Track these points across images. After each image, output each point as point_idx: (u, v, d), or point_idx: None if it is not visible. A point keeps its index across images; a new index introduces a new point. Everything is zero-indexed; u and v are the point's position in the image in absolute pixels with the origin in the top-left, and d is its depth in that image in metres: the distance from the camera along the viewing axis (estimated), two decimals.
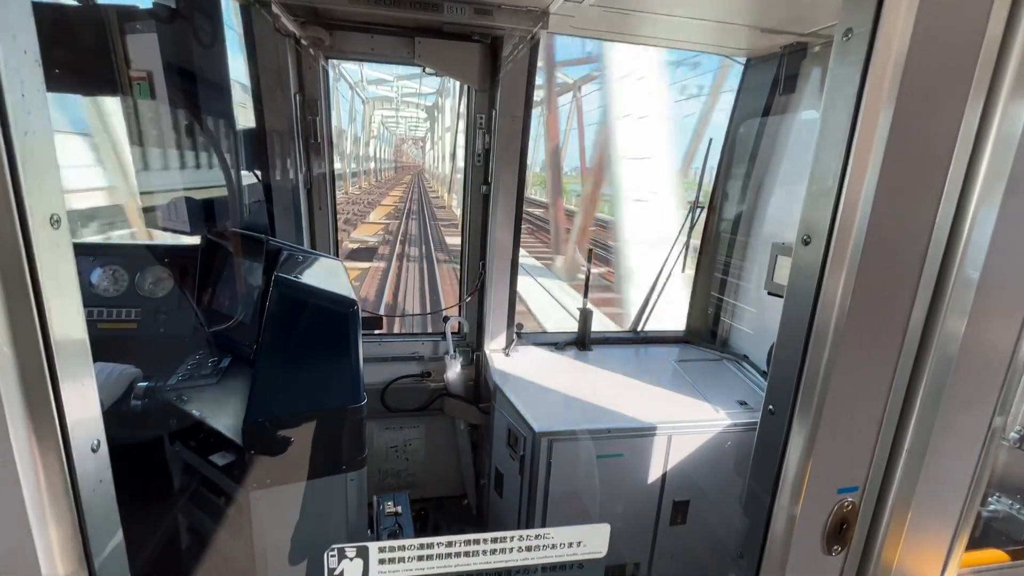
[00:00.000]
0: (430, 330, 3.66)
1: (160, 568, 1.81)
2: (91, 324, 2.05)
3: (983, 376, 0.72)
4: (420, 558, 0.68)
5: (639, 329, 3.28)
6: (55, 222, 0.50)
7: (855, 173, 0.64)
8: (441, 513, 3.13)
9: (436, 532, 3.00)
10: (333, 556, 0.65)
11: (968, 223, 0.67)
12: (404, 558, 0.67)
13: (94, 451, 0.55)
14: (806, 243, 0.71)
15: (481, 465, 3.03)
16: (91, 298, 2.07)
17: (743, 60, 2.83)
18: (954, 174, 0.65)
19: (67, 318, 0.51)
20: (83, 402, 0.54)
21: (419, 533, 2.43)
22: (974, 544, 0.83)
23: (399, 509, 2.23)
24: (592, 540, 0.73)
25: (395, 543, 0.67)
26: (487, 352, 2.90)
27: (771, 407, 0.79)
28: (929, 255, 0.68)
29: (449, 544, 0.69)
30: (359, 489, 1.75)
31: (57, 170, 0.50)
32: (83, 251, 2.12)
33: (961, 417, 0.73)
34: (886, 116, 0.61)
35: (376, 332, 3.05)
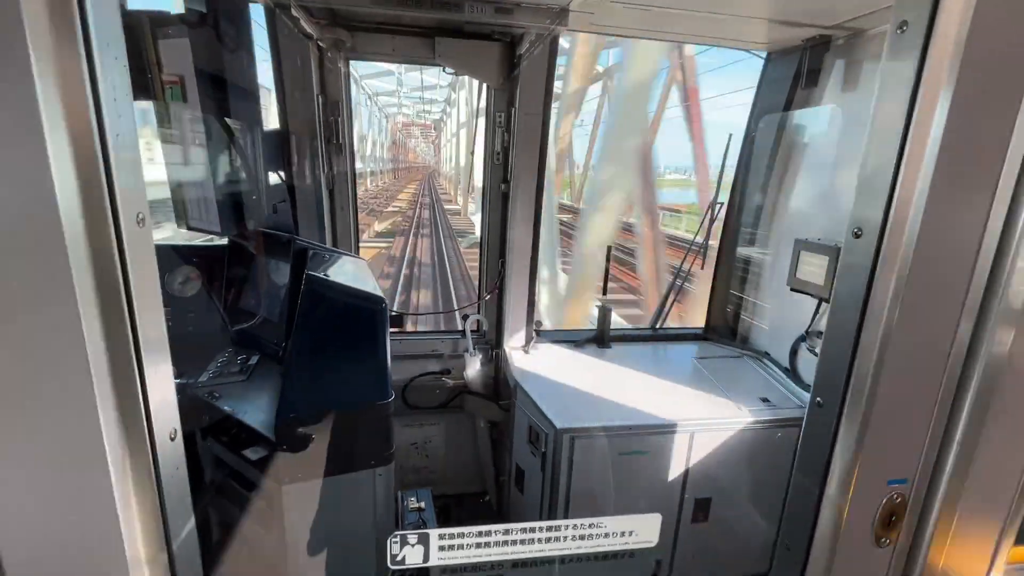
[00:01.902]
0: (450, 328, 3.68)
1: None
2: None
3: None
4: (478, 545, 0.69)
5: (658, 326, 3.27)
6: (140, 220, 0.52)
7: (909, 168, 0.64)
8: (462, 509, 3.15)
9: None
10: (395, 542, 0.67)
11: (1022, 222, 0.66)
12: (463, 545, 0.69)
13: (172, 439, 0.58)
14: (857, 236, 0.71)
15: (501, 462, 3.05)
16: None
17: (763, 54, 2.81)
18: (1008, 170, 0.65)
19: (151, 312, 0.54)
20: (164, 392, 0.56)
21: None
22: (1022, 539, 0.83)
23: (422, 505, 2.26)
24: (644, 529, 0.74)
25: (455, 530, 0.68)
26: (506, 349, 2.91)
27: (819, 400, 0.79)
28: (982, 251, 0.67)
29: (506, 532, 0.70)
30: (387, 484, 1.78)
31: (141, 170, 0.52)
32: None
33: (1012, 412, 0.72)
34: (942, 111, 0.61)
35: (397, 330, 3.08)
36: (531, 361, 2.82)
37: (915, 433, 0.74)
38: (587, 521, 0.73)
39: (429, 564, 0.69)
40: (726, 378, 2.73)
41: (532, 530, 0.71)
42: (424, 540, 0.68)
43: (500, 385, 3.03)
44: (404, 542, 0.67)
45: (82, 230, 0.48)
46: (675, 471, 2.36)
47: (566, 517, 2.33)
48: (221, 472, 1.83)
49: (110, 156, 0.48)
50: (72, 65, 0.44)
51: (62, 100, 0.45)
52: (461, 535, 0.70)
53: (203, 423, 1.82)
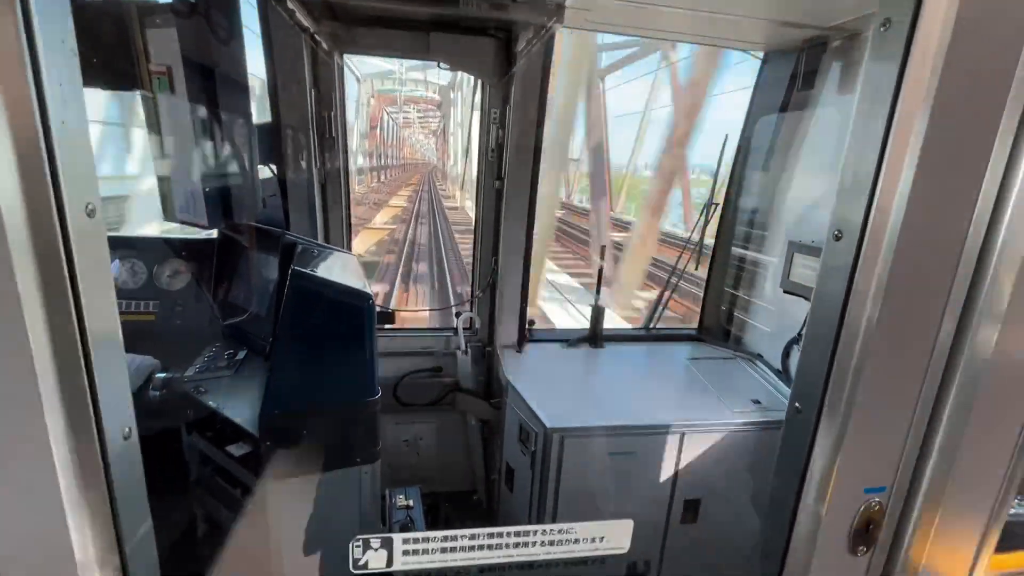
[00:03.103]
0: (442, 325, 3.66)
1: (177, 555, 1.83)
2: None
3: (1016, 379, 0.70)
4: (444, 550, 0.68)
5: (651, 326, 3.26)
6: (91, 211, 0.50)
7: (891, 169, 0.62)
8: (452, 507, 3.15)
9: (447, 526, 3.01)
10: (358, 546, 0.65)
11: (1005, 223, 0.65)
12: (428, 550, 0.68)
13: (126, 438, 0.56)
14: (837, 238, 0.70)
15: (492, 460, 3.04)
16: None
17: (760, 54, 2.79)
18: (992, 172, 0.64)
19: (101, 306, 0.52)
20: (116, 390, 0.54)
21: (430, 527, 2.45)
22: (1004, 548, 0.82)
23: (411, 503, 2.25)
24: (615, 535, 0.73)
25: (419, 535, 0.67)
26: (498, 348, 2.90)
27: (797, 405, 0.78)
28: (964, 255, 0.66)
29: (472, 537, 0.69)
30: (372, 481, 1.76)
31: (92, 159, 0.51)
32: None
33: (993, 419, 0.71)
34: (924, 110, 0.59)
35: (388, 327, 3.07)
36: (523, 360, 2.81)
37: (894, 440, 0.72)
38: (556, 527, 0.72)
39: (393, 569, 0.68)
40: (718, 379, 2.72)
41: (500, 535, 0.70)
42: (387, 544, 0.66)
43: (492, 383, 3.01)
44: (367, 546, 0.66)
45: (23, 223, 0.46)
46: (665, 472, 2.35)
47: (555, 516, 2.32)
48: (205, 468, 1.82)
49: (54, 145, 0.46)
50: (9, 50, 0.43)
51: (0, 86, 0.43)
52: (426, 539, 0.68)
53: (188, 418, 1.80)
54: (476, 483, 3.21)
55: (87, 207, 0.50)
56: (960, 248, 0.66)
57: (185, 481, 1.86)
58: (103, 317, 0.52)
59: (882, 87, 0.62)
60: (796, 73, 2.58)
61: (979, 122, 0.62)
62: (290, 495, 1.69)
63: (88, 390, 0.52)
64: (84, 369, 0.51)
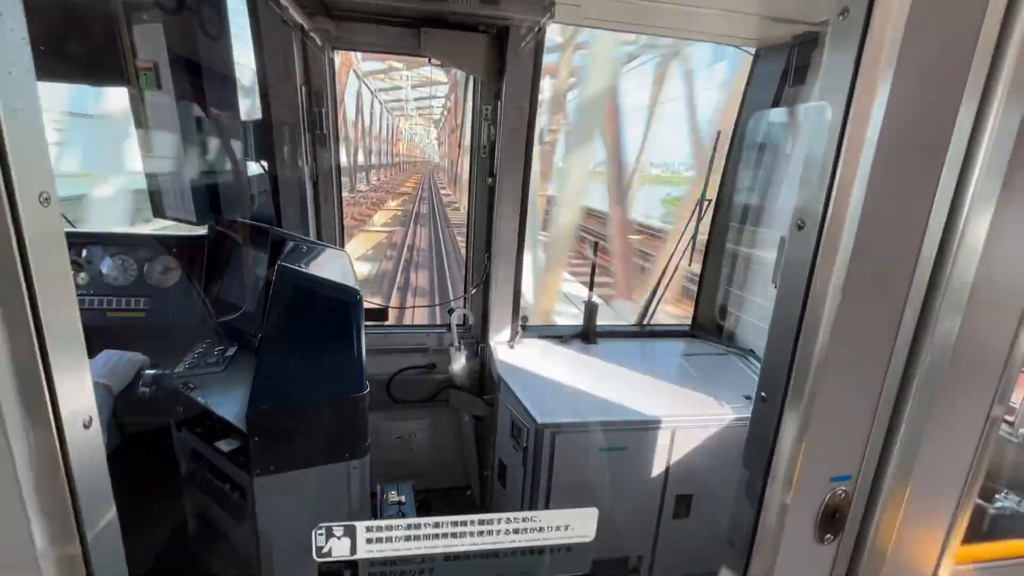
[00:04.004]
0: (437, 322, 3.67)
1: (165, 552, 1.84)
2: (100, 312, 2.08)
3: (981, 365, 0.70)
4: (408, 538, 0.68)
5: (645, 322, 3.27)
6: (44, 200, 0.51)
7: (849, 157, 0.62)
8: (445, 503, 3.16)
9: None
10: (321, 534, 0.66)
11: (966, 207, 0.65)
12: (392, 538, 0.68)
13: (86, 427, 0.57)
14: (800, 227, 0.70)
15: (485, 456, 3.05)
16: (101, 287, 2.10)
17: (752, 50, 2.79)
18: (951, 161, 0.64)
19: (57, 297, 0.52)
20: (74, 378, 0.55)
21: None
22: (971, 540, 0.82)
23: (403, 498, 2.25)
24: (580, 524, 0.73)
25: (383, 523, 0.68)
26: (492, 344, 2.91)
27: (763, 394, 0.78)
28: (926, 241, 0.66)
29: (436, 525, 0.69)
30: (362, 477, 1.77)
31: (46, 148, 0.51)
32: (93, 240, 2.16)
33: (958, 406, 0.71)
34: (881, 99, 0.59)
35: (382, 323, 3.07)
36: (516, 356, 2.82)
37: (858, 429, 0.73)
38: (521, 515, 0.72)
39: (356, 556, 0.68)
40: (711, 375, 2.73)
41: (464, 523, 0.70)
42: (351, 532, 0.67)
43: (485, 380, 3.02)
44: (329, 534, 0.66)
45: None
46: (657, 467, 2.36)
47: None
48: (193, 464, 1.82)
49: (3, 133, 0.46)
50: None
51: None
52: (389, 528, 0.69)
53: (177, 414, 1.81)
54: (469, 479, 3.22)
55: (40, 195, 0.50)
56: (921, 236, 0.66)
57: (175, 477, 1.86)
58: (61, 309, 0.53)
59: (840, 75, 0.62)
60: (788, 69, 2.58)
61: (936, 110, 0.62)
62: (279, 490, 1.70)
63: (44, 380, 0.52)
64: (39, 359, 0.51)
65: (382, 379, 2.89)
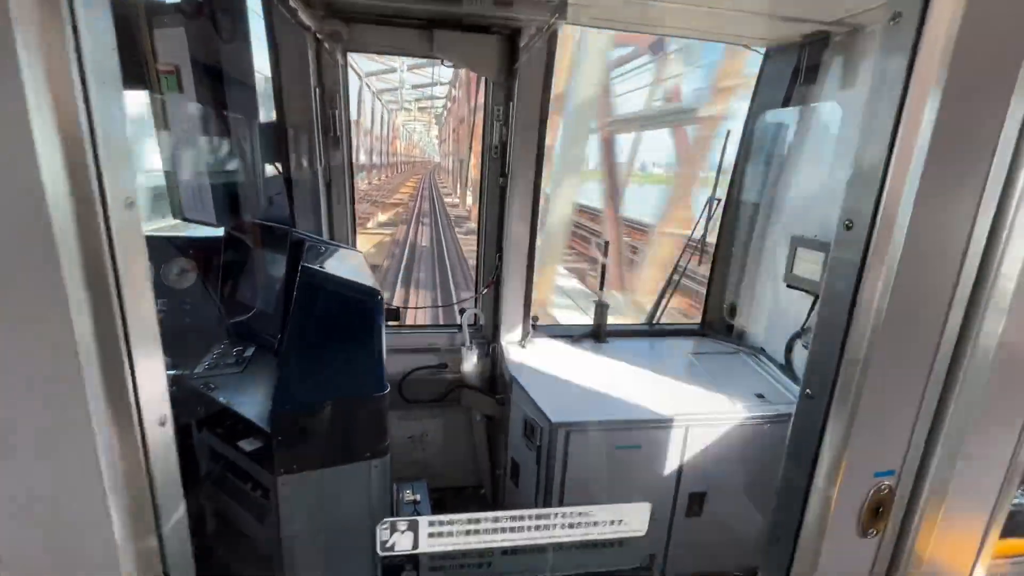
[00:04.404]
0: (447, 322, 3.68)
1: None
2: None
3: (1022, 366, 0.72)
4: (468, 532, 0.70)
5: (654, 322, 3.28)
6: (129, 204, 0.52)
7: (900, 160, 0.64)
8: (458, 502, 3.17)
9: None
10: (385, 528, 0.67)
11: (1012, 214, 0.66)
12: (453, 532, 0.70)
13: (162, 425, 0.58)
14: (849, 228, 0.71)
15: (497, 455, 3.06)
16: None
17: (762, 50, 2.80)
18: (997, 166, 0.65)
19: (141, 298, 0.54)
20: (154, 379, 0.56)
21: None
22: (1012, 535, 0.83)
23: (418, 497, 2.27)
24: (633, 518, 0.74)
25: (444, 517, 0.69)
26: (503, 344, 2.92)
27: (808, 391, 0.79)
28: (972, 244, 0.68)
29: (496, 520, 0.70)
30: (382, 476, 1.78)
31: (129, 154, 0.52)
32: None
33: (998, 406, 0.73)
34: (933, 104, 0.61)
35: (394, 324, 3.08)
36: (527, 356, 2.83)
37: (903, 425, 0.74)
38: (576, 509, 0.73)
39: (419, 551, 0.69)
40: (721, 374, 2.74)
41: (521, 518, 0.71)
42: (414, 527, 0.68)
43: (496, 379, 3.03)
44: (394, 529, 0.68)
45: (70, 215, 0.48)
46: (670, 465, 2.37)
47: None
48: (216, 463, 1.84)
49: (98, 141, 0.48)
50: (59, 51, 0.44)
51: (49, 86, 0.45)
52: (451, 522, 0.70)
53: (198, 414, 1.82)
54: (482, 478, 3.23)
55: (126, 200, 0.52)
56: (968, 238, 0.67)
57: (197, 476, 1.88)
58: (142, 307, 0.54)
59: (892, 80, 0.64)
60: (798, 68, 2.59)
61: (986, 114, 0.63)
62: (301, 489, 1.71)
63: (129, 378, 0.53)
64: (126, 359, 0.53)
65: (394, 379, 2.90)
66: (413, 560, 0.67)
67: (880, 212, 0.67)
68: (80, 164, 0.47)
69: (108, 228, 0.50)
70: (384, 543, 0.68)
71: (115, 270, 0.51)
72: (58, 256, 0.46)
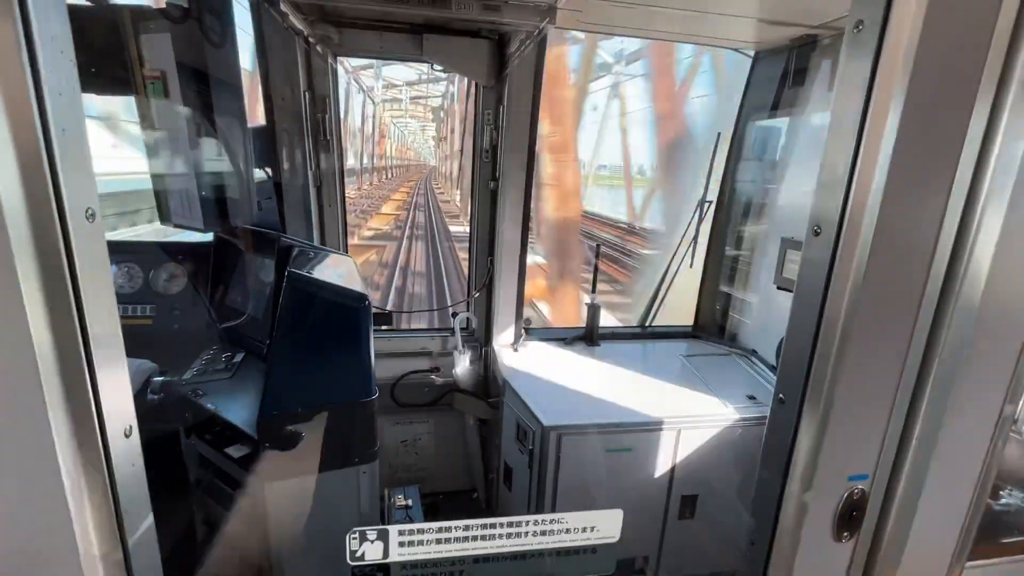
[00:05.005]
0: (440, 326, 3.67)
1: (176, 558, 1.84)
2: None
3: (993, 366, 0.72)
4: (438, 541, 0.70)
5: (647, 324, 3.29)
6: (90, 216, 0.52)
7: (865, 165, 0.64)
8: (451, 506, 3.16)
9: None
10: (355, 538, 0.67)
11: (978, 215, 0.67)
12: (423, 541, 0.69)
13: (127, 436, 0.58)
14: (817, 233, 0.72)
15: (490, 459, 3.05)
16: None
17: (751, 53, 2.81)
18: (963, 167, 0.66)
19: (102, 309, 0.53)
20: (117, 389, 0.56)
21: None
22: (986, 538, 0.84)
23: (410, 502, 2.26)
24: (605, 525, 0.74)
25: (415, 526, 0.69)
26: (495, 347, 2.92)
27: (781, 396, 0.80)
28: (939, 246, 0.68)
29: (466, 528, 0.70)
30: (371, 481, 1.78)
31: (91, 165, 0.52)
32: None
33: (971, 407, 0.73)
34: (896, 109, 0.61)
35: (385, 328, 3.08)
36: (520, 359, 2.83)
37: (875, 429, 0.74)
38: (548, 517, 0.73)
39: (389, 560, 0.69)
40: (713, 376, 2.74)
41: (493, 526, 0.71)
42: (383, 536, 0.68)
43: (489, 383, 3.03)
44: (363, 538, 0.67)
45: (26, 227, 0.47)
46: (662, 468, 2.37)
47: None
48: (204, 470, 1.83)
49: (54, 152, 0.48)
50: (11, 61, 0.44)
51: (2, 96, 0.44)
52: (420, 531, 0.70)
53: (187, 420, 1.81)
54: (475, 482, 3.22)
55: (87, 212, 0.52)
56: (935, 240, 0.68)
57: (185, 483, 1.87)
58: (105, 320, 0.54)
59: (856, 86, 0.64)
60: (787, 71, 2.61)
61: (949, 117, 0.64)
62: (290, 496, 1.70)
63: (90, 389, 0.53)
64: (86, 369, 0.52)
65: (386, 383, 2.90)
66: (384, 569, 0.66)
67: (847, 217, 0.67)
68: (37, 177, 0.47)
69: (67, 238, 0.50)
70: (354, 553, 0.67)
71: (74, 281, 0.50)
72: (14, 265, 0.46)
